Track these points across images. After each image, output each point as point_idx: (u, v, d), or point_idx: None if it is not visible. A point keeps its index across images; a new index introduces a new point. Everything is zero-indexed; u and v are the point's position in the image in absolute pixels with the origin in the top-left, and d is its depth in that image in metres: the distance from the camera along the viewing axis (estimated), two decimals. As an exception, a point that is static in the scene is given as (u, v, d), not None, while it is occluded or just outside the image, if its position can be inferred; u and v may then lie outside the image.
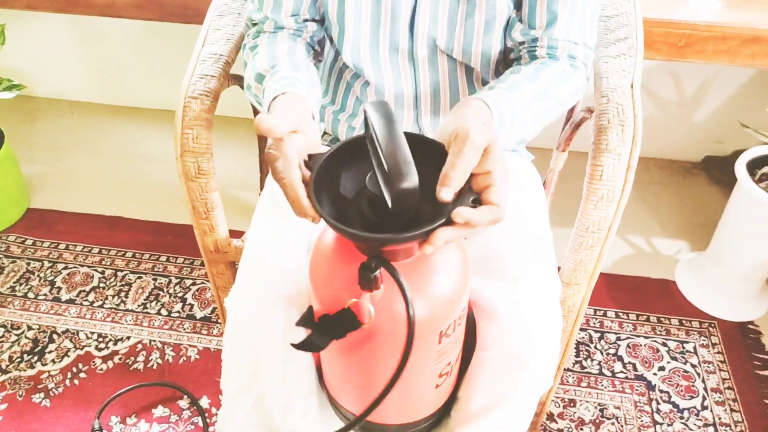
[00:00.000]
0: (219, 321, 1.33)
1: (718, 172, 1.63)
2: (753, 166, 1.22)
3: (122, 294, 1.39)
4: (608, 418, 1.16)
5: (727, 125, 1.62)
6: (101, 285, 1.40)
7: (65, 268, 1.44)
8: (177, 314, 1.35)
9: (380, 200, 0.52)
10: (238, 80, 0.92)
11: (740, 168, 1.20)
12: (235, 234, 0.93)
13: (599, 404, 1.18)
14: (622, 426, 1.15)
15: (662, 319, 1.32)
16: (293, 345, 0.60)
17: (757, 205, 1.18)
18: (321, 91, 0.79)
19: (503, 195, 0.53)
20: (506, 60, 0.82)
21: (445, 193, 0.52)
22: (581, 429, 1.15)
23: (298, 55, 0.76)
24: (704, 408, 1.17)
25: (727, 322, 1.31)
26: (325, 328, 0.58)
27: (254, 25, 0.84)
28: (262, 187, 1.18)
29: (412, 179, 0.47)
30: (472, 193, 0.53)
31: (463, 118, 0.57)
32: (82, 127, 1.86)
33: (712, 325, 1.31)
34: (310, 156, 0.57)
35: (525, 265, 0.75)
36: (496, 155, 0.54)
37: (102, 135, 1.83)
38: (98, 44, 1.80)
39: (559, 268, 0.80)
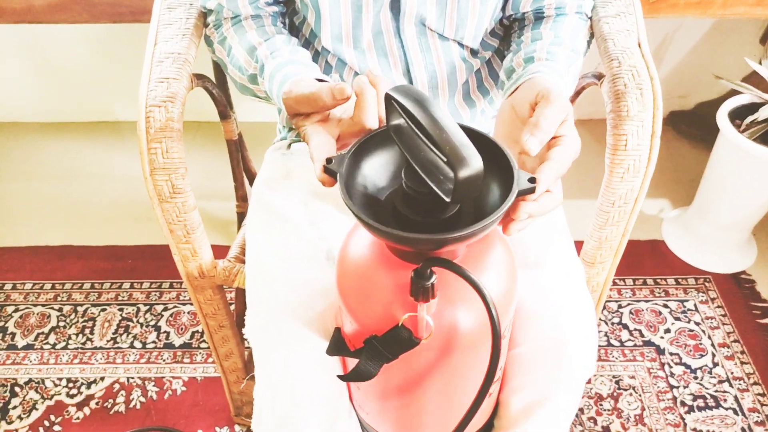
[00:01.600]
0: (201, 346, 1.22)
1: (685, 126, 1.62)
2: (733, 116, 1.20)
3: (87, 331, 1.25)
4: (625, 390, 1.13)
5: (689, 79, 1.62)
6: (61, 324, 1.26)
7: (16, 310, 1.29)
8: (153, 345, 1.23)
9: (422, 196, 0.46)
10: (202, 80, 0.81)
11: (723, 119, 1.18)
12: (217, 252, 0.82)
13: (614, 376, 1.15)
14: (640, 395, 1.12)
15: (658, 281, 1.30)
16: (340, 378, 0.52)
17: (742, 155, 1.17)
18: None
19: (569, 156, 0.51)
20: (498, 25, 0.76)
21: (532, 143, 0.47)
22: (600, 405, 1.11)
23: (273, 34, 0.71)
24: (715, 365, 1.16)
25: (721, 275, 1.31)
26: (373, 351, 0.51)
27: (209, 12, 0.76)
28: (238, 198, 1.07)
29: (476, 162, 0.41)
30: (527, 174, 0.47)
31: (537, 83, 0.55)
32: (7, 149, 1.68)
33: (708, 279, 1.30)
34: (329, 159, 0.49)
35: (545, 248, 0.70)
36: (572, 122, 0.51)
37: (32, 156, 1.66)
38: (22, 56, 1.62)
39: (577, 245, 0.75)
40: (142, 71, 0.75)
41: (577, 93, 0.85)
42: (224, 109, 0.94)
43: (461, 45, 0.73)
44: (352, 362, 0.60)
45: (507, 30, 0.79)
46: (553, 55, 0.66)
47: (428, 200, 0.46)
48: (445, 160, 0.42)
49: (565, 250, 0.72)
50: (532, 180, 0.47)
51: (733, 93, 1.33)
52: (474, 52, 0.75)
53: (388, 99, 0.46)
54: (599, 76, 0.75)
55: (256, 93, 0.69)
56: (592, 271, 0.80)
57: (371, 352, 0.51)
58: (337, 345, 0.59)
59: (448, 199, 0.44)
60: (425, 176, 0.45)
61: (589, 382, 1.14)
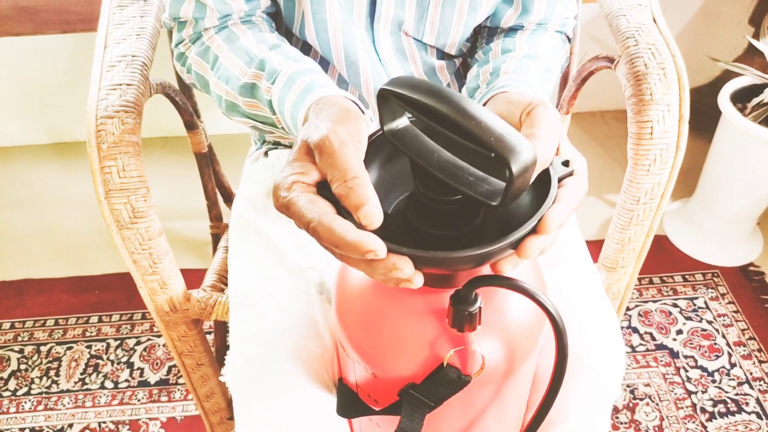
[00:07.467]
0: (180, 382, 1.11)
1: (675, 114, 1.57)
2: (734, 99, 1.14)
3: (52, 373, 1.13)
4: (641, 399, 1.05)
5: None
6: (22, 367, 1.14)
7: (-30, 355, 1.17)
8: (126, 384, 1.11)
9: (446, 206, 0.38)
10: (163, 86, 0.72)
11: (725, 103, 1.12)
12: (193, 276, 0.72)
13: (628, 386, 1.07)
14: (657, 404, 1.05)
15: (665, 279, 1.23)
16: None
17: (747, 140, 1.10)
18: None
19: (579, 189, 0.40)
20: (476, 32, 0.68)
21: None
22: (617, 417, 1.03)
23: (280, 42, 0.57)
24: (733, 365, 1.09)
25: (729, 269, 1.24)
26: (413, 404, 0.42)
27: (181, 25, 0.61)
28: (212, 218, 0.97)
29: (529, 149, 0.33)
30: (558, 158, 0.40)
31: (506, 98, 0.45)
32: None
33: (716, 274, 1.23)
34: (320, 183, 0.39)
35: (559, 245, 0.63)
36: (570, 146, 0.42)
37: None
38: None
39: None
40: (91, 78, 0.65)
41: (583, 80, 0.77)
42: (190, 118, 0.84)
43: (439, 52, 0.66)
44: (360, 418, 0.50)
45: (476, 35, 0.69)
46: (524, 68, 0.55)
47: (453, 210, 0.38)
48: (491, 154, 0.33)
49: (578, 251, 0.66)
50: (566, 163, 0.39)
51: (725, 77, 1.28)
52: (449, 56, 0.67)
53: (384, 97, 0.37)
54: (611, 59, 0.68)
55: (246, 112, 0.56)
56: (613, 277, 0.72)
57: (412, 405, 0.42)
58: (351, 403, 0.49)
59: (494, 203, 0.35)
60: (452, 182, 0.37)
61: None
